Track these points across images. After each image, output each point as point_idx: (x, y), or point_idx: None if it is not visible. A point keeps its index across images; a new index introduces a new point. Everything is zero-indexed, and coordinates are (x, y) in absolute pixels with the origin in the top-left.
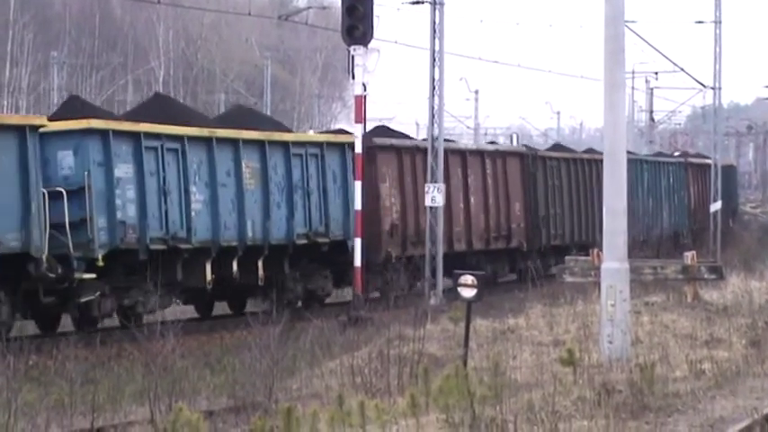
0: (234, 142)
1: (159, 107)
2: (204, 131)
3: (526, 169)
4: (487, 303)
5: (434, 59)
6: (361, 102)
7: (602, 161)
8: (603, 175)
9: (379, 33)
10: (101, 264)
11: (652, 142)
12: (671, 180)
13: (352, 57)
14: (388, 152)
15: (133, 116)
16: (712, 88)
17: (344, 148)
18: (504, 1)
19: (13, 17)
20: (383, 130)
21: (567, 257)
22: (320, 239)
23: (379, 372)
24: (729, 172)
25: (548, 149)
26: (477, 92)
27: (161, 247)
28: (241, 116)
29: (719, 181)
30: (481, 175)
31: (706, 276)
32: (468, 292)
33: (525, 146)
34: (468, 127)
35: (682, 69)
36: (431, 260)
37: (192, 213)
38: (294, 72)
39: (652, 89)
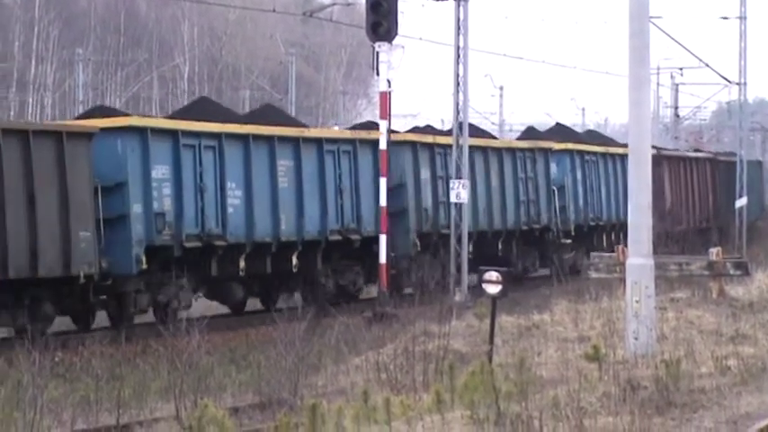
0: None
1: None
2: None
3: (713, 170)
4: (512, 300)
5: (459, 56)
6: (386, 98)
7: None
8: (628, 170)
9: (404, 30)
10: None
11: (677, 138)
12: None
13: (377, 53)
14: (660, 158)
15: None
16: (737, 84)
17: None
18: None
19: (39, 14)
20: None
21: (592, 254)
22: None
23: (405, 368)
24: (755, 168)
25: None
26: (501, 88)
27: None
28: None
29: (745, 176)
30: (696, 175)
31: (731, 272)
32: (492, 289)
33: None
34: (493, 123)
35: (707, 65)
36: (455, 257)
37: None
38: (319, 68)
39: (677, 85)
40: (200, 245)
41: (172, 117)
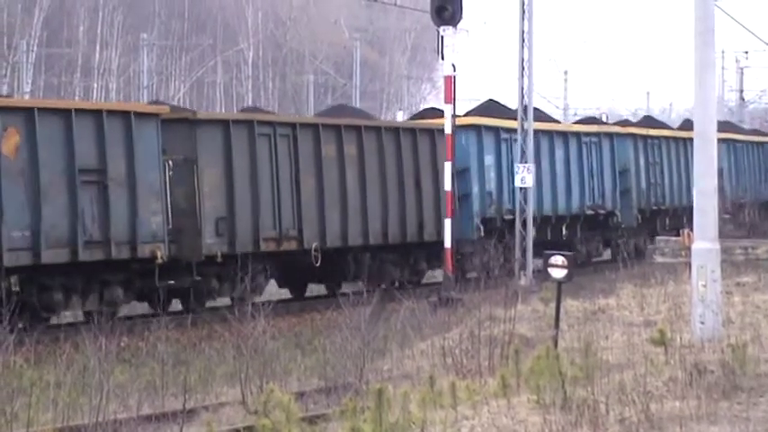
0: None
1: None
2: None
3: None
4: (578, 284)
5: (523, 40)
6: (450, 82)
7: None
8: (694, 154)
9: (468, 14)
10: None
11: (742, 122)
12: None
13: (442, 37)
14: None
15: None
16: None
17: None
18: None
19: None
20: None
21: (657, 238)
22: None
23: (470, 353)
24: None
25: None
26: (566, 72)
27: None
28: None
29: None
30: None
31: None
32: (558, 273)
33: None
34: (557, 107)
35: None
36: (521, 240)
37: None
38: (383, 53)
39: (742, 68)
40: (512, 217)
41: (467, 115)
